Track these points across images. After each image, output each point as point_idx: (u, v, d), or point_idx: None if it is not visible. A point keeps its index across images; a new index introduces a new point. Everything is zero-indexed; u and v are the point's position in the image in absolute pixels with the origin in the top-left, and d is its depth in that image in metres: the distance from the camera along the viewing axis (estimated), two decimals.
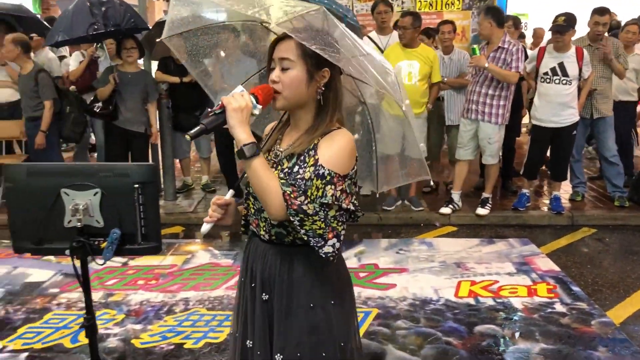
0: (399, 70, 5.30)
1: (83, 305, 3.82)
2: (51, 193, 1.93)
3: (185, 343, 3.32)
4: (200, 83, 2.03)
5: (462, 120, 5.51)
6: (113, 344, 3.33)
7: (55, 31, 5.33)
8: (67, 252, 1.96)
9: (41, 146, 5.49)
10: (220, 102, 1.55)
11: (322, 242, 1.57)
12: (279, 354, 1.68)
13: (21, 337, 3.40)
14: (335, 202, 1.55)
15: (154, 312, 3.71)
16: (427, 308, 3.75)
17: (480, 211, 5.58)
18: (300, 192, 1.55)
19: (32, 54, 5.83)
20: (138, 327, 3.53)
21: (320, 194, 1.54)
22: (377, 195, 2.13)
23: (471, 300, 3.86)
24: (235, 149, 1.57)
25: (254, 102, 1.56)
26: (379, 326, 3.50)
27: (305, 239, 1.57)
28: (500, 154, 5.77)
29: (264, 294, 1.72)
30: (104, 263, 1.97)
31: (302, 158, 1.63)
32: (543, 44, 7.06)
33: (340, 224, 1.60)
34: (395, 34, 5.90)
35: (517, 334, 3.42)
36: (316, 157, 1.59)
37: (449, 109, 6.04)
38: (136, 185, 1.96)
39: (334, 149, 1.59)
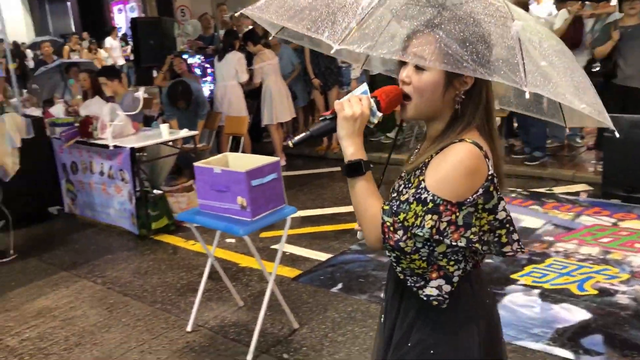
0: None
1: (580, 257, 4.03)
2: None
3: None
4: None
5: None
6: (623, 300, 3.35)
7: None
8: None
9: None
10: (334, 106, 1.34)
11: (422, 283, 1.33)
12: None
13: (529, 275, 3.76)
14: (435, 236, 1.25)
15: None
16: None
17: None
18: (399, 224, 1.28)
19: None
20: None
21: (418, 222, 1.26)
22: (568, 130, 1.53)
23: None
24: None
25: (374, 108, 1.31)
26: None
27: (402, 277, 1.35)
28: None
29: (382, 315, 1.56)
30: None
31: (409, 177, 1.38)
32: None
33: (453, 263, 1.31)
34: None
35: None
36: (421, 178, 1.31)
37: None
38: None
39: (444, 169, 1.28)
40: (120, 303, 3.85)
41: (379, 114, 1.34)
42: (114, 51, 13.39)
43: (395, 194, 1.41)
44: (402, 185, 1.39)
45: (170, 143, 5.45)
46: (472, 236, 1.29)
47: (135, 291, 4.00)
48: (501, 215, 1.35)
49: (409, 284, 1.35)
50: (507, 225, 1.37)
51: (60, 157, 5.64)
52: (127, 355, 3.21)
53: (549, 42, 1.42)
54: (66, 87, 8.19)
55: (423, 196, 1.28)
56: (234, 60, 6.70)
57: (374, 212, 1.33)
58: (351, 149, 1.33)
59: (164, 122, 5.93)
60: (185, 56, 7.63)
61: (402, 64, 1.35)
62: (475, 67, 1.19)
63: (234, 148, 6.34)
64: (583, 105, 1.32)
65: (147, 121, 6.21)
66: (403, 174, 1.45)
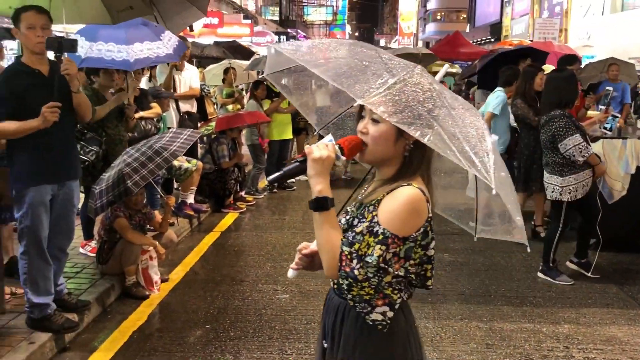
0: None
1: None
2: None
3: None
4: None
5: None
6: None
7: None
8: None
9: None
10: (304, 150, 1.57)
11: (369, 309, 1.58)
12: None
13: None
14: (381, 264, 1.50)
15: None
16: None
17: None
18: (354, 254, 1.52)
19: None
20: None
21: (369, 252, 1.51)
22: (476, 239, 1.79)
23: None
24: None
25: (339, 153, 1.56)
26: None
27: (352, 304, 1.60)
28: None
29: (324, 340, 1.74)
30: None
31: (362, 212, 1.61)
32: None
33: (396, 291, 1.58)
34: None
35: None
36: (374, 214, 1.55)
37: None
38: None
39: (393, 207, 1.53)
40: None
41: (343, 158, 1.57)
42: None
43: (349, 222, 1.63)
44: (357, 220, 1.60)
45: None
46: (409, 267, 1.56)
47: None
48: (431, 252, 1.59)
49: (357, 310, 1.60)
50: (433, 262, 1.61)
51: None
52: None
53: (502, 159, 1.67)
54: None
55: (375, 229, 1.52)
56: None
57: (336, 244, 1.54)
58: (319, 186, 1.54)
59: None
60: None
61: (361, 117, 1.61)
62: (460, 158, 1.40)
63: None
64: (518, 217, 1.61)
65: None
66: (350, 208, 1.70)
